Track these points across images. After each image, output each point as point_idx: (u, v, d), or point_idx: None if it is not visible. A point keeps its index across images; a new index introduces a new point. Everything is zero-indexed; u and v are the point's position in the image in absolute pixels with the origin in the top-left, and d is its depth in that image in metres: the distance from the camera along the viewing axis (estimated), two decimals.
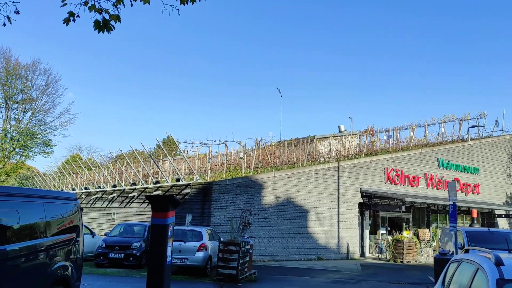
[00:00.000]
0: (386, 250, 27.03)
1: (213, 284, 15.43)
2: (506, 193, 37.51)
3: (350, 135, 31.88)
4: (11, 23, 7.50)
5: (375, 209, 28.96)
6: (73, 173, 42.97)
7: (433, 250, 29.08)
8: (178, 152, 35.12)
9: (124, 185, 31.34)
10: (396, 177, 29.70)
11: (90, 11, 7.29)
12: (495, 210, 35.87)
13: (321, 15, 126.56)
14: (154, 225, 10.72)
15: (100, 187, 35.57)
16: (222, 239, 17.69)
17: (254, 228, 22.03)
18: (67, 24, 7.27)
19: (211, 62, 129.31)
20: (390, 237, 27.90)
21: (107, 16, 7.36)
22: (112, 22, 7.39)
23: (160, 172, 28.78)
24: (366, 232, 28.71)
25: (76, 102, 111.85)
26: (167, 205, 10.73)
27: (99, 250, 19.50)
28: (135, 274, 17.24)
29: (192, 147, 25.43)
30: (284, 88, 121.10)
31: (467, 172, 34.74)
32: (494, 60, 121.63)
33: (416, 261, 25.88)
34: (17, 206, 7.42)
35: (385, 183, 29.17)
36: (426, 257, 28.08)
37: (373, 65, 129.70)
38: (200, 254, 17.04)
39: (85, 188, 38.40)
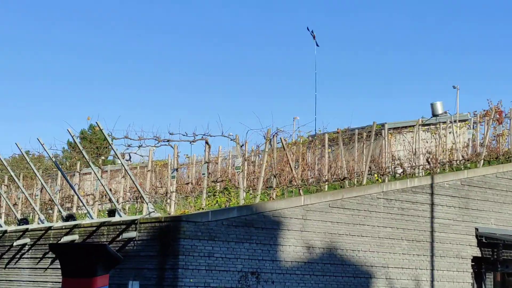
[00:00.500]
0: None
1: None
2: None
3: (455, 121, 21.77)
4: None
5: (506, 269, 20.35)
6: None
7: None
8: (111, 157, 25.61)
9: (5, 223, 21.06)
10: None
11: None
12: None
13: None
14: None
15: None
16: None
17: None
18: None
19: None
20: None
21: None
22: None
23: (76, 196, 18.72)
24: None
25: None
26: (93, 265, 8.14)
27: None
28: None
29: (139, 147, 14.47)
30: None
31: None
32: None
33: None
34: None
35: None
36: None
37: None
38: None
39: None
